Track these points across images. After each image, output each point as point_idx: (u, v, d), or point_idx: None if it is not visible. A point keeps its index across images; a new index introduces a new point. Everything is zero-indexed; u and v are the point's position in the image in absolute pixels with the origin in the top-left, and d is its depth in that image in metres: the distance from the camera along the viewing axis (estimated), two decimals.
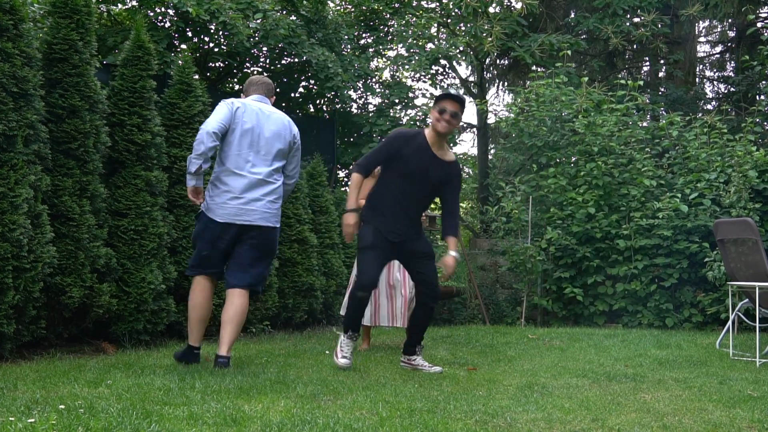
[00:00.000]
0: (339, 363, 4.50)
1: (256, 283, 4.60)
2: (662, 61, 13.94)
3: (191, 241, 5.03)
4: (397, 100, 10.48)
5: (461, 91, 14.90)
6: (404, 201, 4.53)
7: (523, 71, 13.39)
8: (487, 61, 13.34)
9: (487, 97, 14.26)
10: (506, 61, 14.01)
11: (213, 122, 4.44)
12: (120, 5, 9.05)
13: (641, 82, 10.89)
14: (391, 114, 10.45)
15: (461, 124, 15.00)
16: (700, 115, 10.40)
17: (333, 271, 7.79)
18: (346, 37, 10.32)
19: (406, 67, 10.61)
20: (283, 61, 9.82)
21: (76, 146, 5.08)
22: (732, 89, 12.85)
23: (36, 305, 4.69)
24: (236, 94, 9.87)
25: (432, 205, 5.90)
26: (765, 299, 5.37)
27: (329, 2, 10.58)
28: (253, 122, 4.54)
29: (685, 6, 11.70)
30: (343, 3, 11.83)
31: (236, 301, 4.48)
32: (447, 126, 4.48)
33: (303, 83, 10.38)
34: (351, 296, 4.62)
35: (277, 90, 10.28)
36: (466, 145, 27.57)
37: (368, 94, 10.60)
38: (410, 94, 10.68)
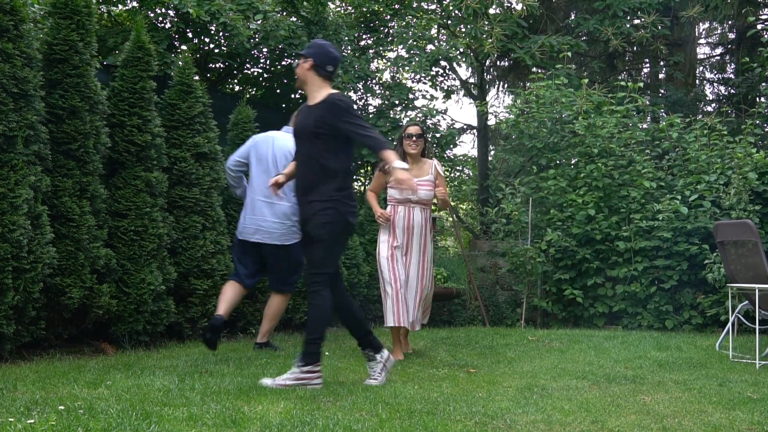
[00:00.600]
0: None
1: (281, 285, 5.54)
2: (662, 63, 13.94)
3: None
4: (397, 102, 10.48)
5: (461, 93, 14.93)
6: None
7: (523, 73, 13.39)
8: (488, 62, 13.34)
9: (487, 99, 14.25)
10: (506, 63, 14.01)
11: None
12: (120, 6, 9.05)
13: (641, 84, 10.89)
14: (391, 115, 10.45)
15: (462, 125, 15.04)
16: (700, 116, 10.41)
17: None
18: (346, 38, 10.32)
19: (407, 68, 10.61)
20: (284, 62, 9.83)
21: (76, 147, 5.08)
22: (732, 91, 12.86)
23: (36, 306, 4.69)
24: (236, 96, 9.91)
25: (432, 206, 5.86)
26: (765, 301, 5.37)
27: (330, 3, 10.58)
28: (260, 151, 5.53)
29: (685, 8, 11.70)
30: (344, 4, 11.84)
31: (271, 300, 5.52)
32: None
33: None
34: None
35: (277, 91, 10.30)
36: (467, 146, 27.60)
37: (368, 95, 10.61)
38: (410, 96, 10.68)
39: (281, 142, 5.46)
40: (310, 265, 4.12)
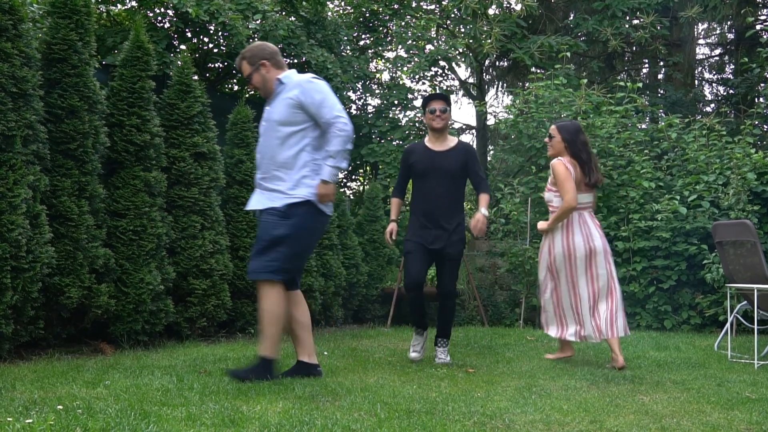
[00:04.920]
0: (410, 356, 5.18)
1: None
2: (661, 63, 13.96)
3: (276, 242, 4.03)
4: (396, 102, 10.48)
5: (460, 93, 14.93)
6: (430, 198, 5.07)
7: (522, 73, 13.40)
8: (487, 62, 13.35)
9: (486, 99, 14.26)
10: (505, 63, 14.02)
11: (339, 104, 4.12)
12: (119, 5, 9.04)
13: (640, 84, 10.89)
14: (390, 115, 10.45)
15: (461, 125, 15.04)
16: (699, 117, 10.41)
17: (331, 272, 7.78)
18: (345, 38, 10.33)
19: (405, 68, 10.61)
20: None
21: (75, 146, 5.07)
22: (731, 91, 12.87)
23: (34, 305, 4.68)
24: (235, 95, 9.90)
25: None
26: (763, 301, 5.37)
27: (329, 3, 10.58)
28: None
29: (684, 8, 11.72)
30: (343, 4, 11.84)
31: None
32: (441, 121, 5.14)
33: None
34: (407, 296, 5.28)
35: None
36: None
37: (367, 95, 10.61)
38: (409, 96, 10.68)
39: None
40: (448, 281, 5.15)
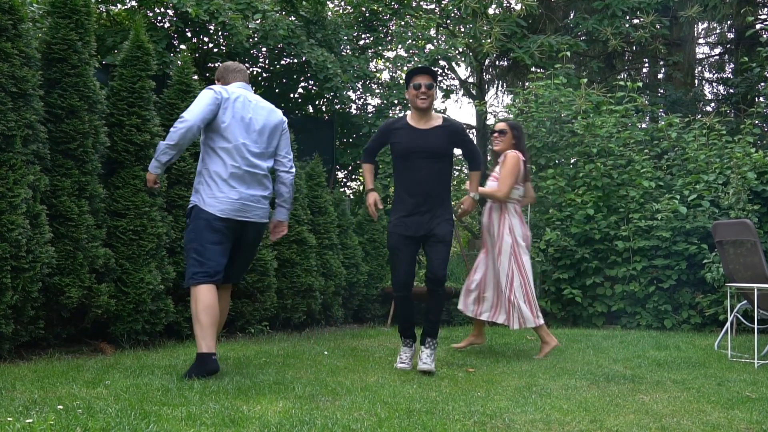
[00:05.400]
0: (396, 367, 4.73)
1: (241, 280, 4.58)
2: (661, 63, 13.96)
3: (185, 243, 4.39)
4: (396, 102, 10.48)
5: (461, 93, 14.92)
6: (415, 181, 4.67)
7: (522, 72, 13.40)
8: (487, 62, 13.35)
9: (486, 98, 14.27)
10: (505, 63, 14.02)
11: (197, 112, 4.22)
12: (119, 5, 9.05)
13: (640, 84, 10.89)
14: (390, 115, 10.45)
15: (462, 124, 15.05)
16: (699, 116, 10.41)
17: (332, 271, 7.79)
18: (345, 37, 10.33)
19: (405, 68, 10.61)
20: (283, 62, 9.83)
21: (75, 146, 5.07)
22: (731, 91, 12.87)
23: (34, 305, 4.68)
24: None
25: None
26: (763, 301, 5.37)
27: (329, 3, 10.58)
28: (242, 112, 4.33)
29: (684, 7, 11.72)
30: (343, 4, 11.84)
31: (227, 296, 4.51)
32: (425, 100, 4.70)
33: (302, 84, 10.39)
34: (394, 299, 4.93)
35: (276, 90, 10.29)
36: None
37: (367, 94, 10.61)
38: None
39: (264, 110, 4.59)
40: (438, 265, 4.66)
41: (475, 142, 14.26)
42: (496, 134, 5.53)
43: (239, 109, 4.34)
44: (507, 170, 5.31)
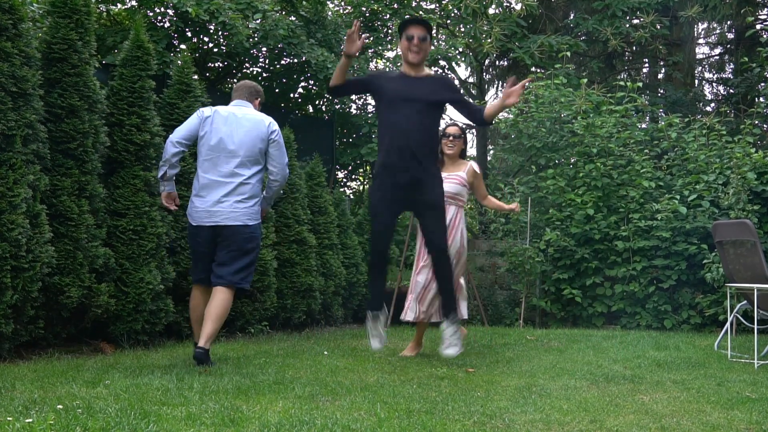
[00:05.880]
0: (372, 347, 4.75)
1: (237, 281, 4.72)
2: (661, 63, 13.96)
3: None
4: None
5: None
6: (401, 129, 4.44)
7: (522, 72, 13.39)
8: (487, 62, 13.35)
9: (486, 98, 14.27)
10: (505, 62, 14.02)
11: (178, 131, 4.77)
12: (119, 5, 9.04)
13: (640, 84, 10.90)
14: None
15: (462, 125, 15.04)
16: (699, 116, 10.41)
17: (332, 271, 7.79)
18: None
19: None
20: (283, 62, 9.82)
21: (75, 146, 5.07)
22: (731, 91, 12.87)
23: (34, 305, 4.68)
24: None
25: None
26: (763, 301, 5.37)
27: (329, 2, 10.58)
28: (221, 127, 4.73)
29: (684, 8, 11.72)
30: (343, 4, 11.84)
31: (217, 296, 4.68)
32: (418, 53, 4.50)
33: (302, 84, 10.39)
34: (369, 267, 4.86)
35: (276, 90, 10.29)
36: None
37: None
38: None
39: (248, 122, 4.90)
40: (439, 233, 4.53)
41: (473, 133, 14.22)
42: (451, 138, 5.45)
43: (220, 124, 4.75)
44: (482, 180, 5.58)
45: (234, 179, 4.72)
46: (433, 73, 4.65)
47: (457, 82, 14.20)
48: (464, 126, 15.05)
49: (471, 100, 4.73)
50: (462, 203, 5.43)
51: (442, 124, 5.09)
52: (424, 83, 4.53)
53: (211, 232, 4.70)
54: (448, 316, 4.57)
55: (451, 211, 5.30)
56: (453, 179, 5.34)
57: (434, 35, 4.48)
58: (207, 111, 4.80)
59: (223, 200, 4.69)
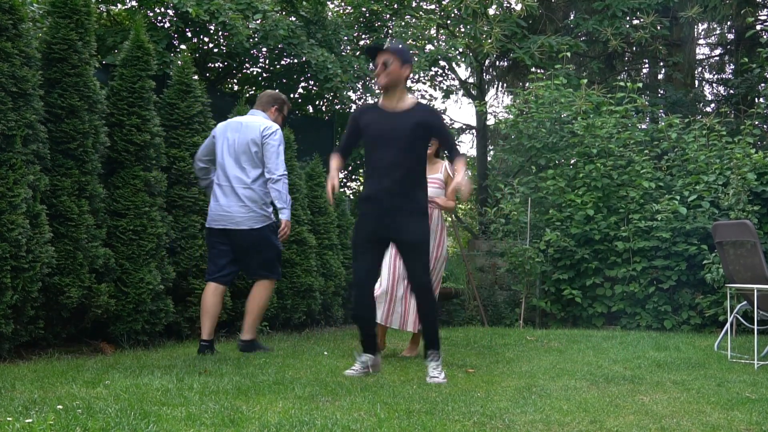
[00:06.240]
0: (345, 373, 4.32)
1: (265, 275, 5.20)
2: (661, 63, 13.95)
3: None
4: None
5: (460, 93, 14.92)
6: (383, 165, 4.25)
7: (522, 73, 13.39)
8: (487, 62, 13.35)
9: (487, 99, 14.27)
10: (505, 63, 14.02)
11: (198, 151, 5.44)
12: (119, 5, 9.05)
13: (640, 84, 10.90)
14: None
15: (462, 125, 15.03)
16: (699, 117, 10.41)
17: (332, 272, 7.79)
18: (345, 38, 10.32)
19: None
20: (283, 62, 9.82)
21: (75, 146, 5.07)
22: (731, 91, 12.86)
23: (34, 305, 4.68)
24: (235, 95, 9.90)
25: None
26: (763, 302, 5.37)
27: (329, 3, 10.58)
28: (228, 135, 5.20)
29: (685, 8, 11.72)
30: (343, 4, 11.83)
31: (252, 290, 5.25)
32: (385, 78, 4.28)
33: (302, 84, 10.39)
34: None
35: (276, 91, 10.29)
36: (466, 146, 27.58)
37: (367, 95, 10.60)
38: (409, 96, 10.67)
39: (249, 129, 5.22)
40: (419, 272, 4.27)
41: (473, 133, 14.18)
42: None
43: (226, 132, 5.21)
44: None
45: (237, 184, 5.11)
46: (416, 102, 4.41)
47: (457, 82, 14.20)
48: (463, 126, 15.05)
49: (451, 137, 4.54)
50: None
51: None
52: (404, 118, 4.29)
53: (221, 234, 5.15)
54: (427, 356, 4.29)
55: (434, 216, 5.28)
56: (432, 182, 5.20)
57: (407, 54, 4.09)
58: (218, 127, 5.32)
59: (230, 205, 5.11)
